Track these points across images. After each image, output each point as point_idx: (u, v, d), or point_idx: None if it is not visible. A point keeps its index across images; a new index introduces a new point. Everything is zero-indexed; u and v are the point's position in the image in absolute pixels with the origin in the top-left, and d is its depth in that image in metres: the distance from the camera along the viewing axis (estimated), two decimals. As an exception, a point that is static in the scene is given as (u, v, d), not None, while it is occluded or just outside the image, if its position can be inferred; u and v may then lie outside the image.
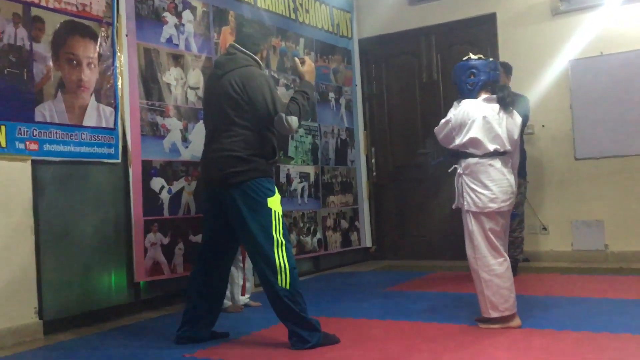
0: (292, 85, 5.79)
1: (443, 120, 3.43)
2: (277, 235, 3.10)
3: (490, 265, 3.28)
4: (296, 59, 3.45)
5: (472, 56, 3.48)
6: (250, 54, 3.29)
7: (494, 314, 3.28)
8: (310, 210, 5.93)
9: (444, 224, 6.25)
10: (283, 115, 3.11)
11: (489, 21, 6.12)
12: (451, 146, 3.41)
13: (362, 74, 6.86)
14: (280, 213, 3.16)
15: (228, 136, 3.16)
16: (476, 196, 3.30)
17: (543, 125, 5.82)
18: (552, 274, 5.11)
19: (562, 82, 5.76)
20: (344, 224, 6.41)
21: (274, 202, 3.14)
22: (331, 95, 6.37)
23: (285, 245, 3.12)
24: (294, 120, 3.12)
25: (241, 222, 3.13)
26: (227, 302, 4.17)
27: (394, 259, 6.67)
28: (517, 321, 3.31)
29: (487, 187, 3.28)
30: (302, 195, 5.85)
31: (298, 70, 3.36)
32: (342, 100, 6.54)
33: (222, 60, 3.36)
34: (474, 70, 3.39)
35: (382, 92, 6.88)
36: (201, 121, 4.76)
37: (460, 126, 3.33)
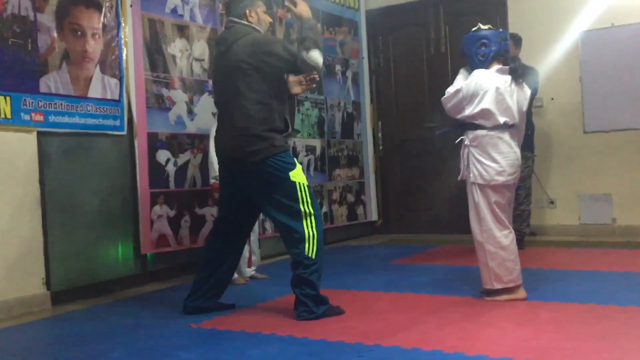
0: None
1: (452, 89, 3.38)
2: (305, 207, 3.09)
3: (496, 237, 3.27)
4: (287, 2, 3.38)
5: (482, 26, 3.42)
6: (247, 23, 3.23)
7: (497, 286, 3.28)
8: (316, 183, 5.92)
9: (450, 197, 6.22)
10: (303, 54, 3.06)
11: (498, -8, 6.03)
12: (459, 116, 3.37)
13: (369, 46, 6.79)
14: (305, 183, 3.14)
15: (241, 113, 3.12)
16: (483, 169, 3.27)
17: (552, 98, 5.76)
18: (559, 248, 5.10)
19: (572, 54, 5.68)
20: (350, 197, 6.40)
21: (297, 175, 3.12)
22: (337, 67, 6.31)
23: (314, 214, 3.12)
24: (315, 53, 3.07)
25: (266, 199, 3.14)
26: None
27: (400, 233, 6.68)
28: (522, 293, 3.31)
29: (495, 159, 3.25)
30: (308, 169, 5.83)
31: (294, 14, 3.30)
32: (349, 73, 6.48)
33: (223, 36, 3.32)
34: (485, 41, 3.34)
35: (389, 65, 6.81)
36: (207, 93, 4.75)
37: (472, 96, 3.28)
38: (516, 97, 3.31)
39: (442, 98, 3.43)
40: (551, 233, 5.77)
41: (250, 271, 4.31)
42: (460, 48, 3.52)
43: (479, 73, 3.31)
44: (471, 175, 3.31)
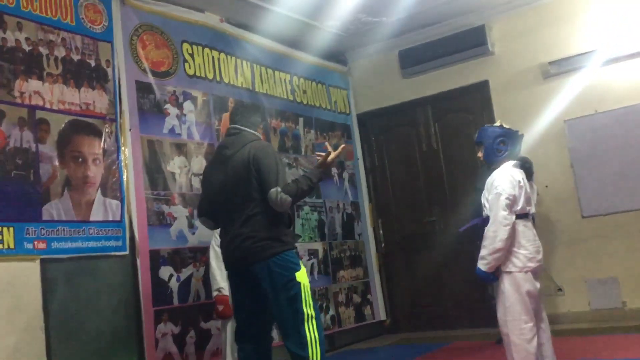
0: (293, 164, 5.87)
1: (504, 204, 3.29)
2: (307, 309, 3.11)
3: (522, 328, 3.24)
4: (327, 145, 3.59)
5: (503, 124, 3.62)
6: (253, 131, 3.37)
7: None
8: (320, 286, 5.88)
9: (457, 291, 6.16)
10: (279, 189, 3.09)
11: (482, 88, 6.26)
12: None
13: (362, 148, 6.96)
14: (308, 285, 3.17)
15: (247, 218, 3.17)
16: (515, 257, 3.30)
17: (546, 186, 5.83)
18: (573, 337, 4.99)
19: (560, 141, 5.82)
20: (356, 298, 6.34)
21: (302, 276, 3.16)
22: (334, 170, 6.44)
23: (316, 317, 3.13)
24: (286, 199, 3.09)
25: (271, 298, 3.15)
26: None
27: (409, 331, 6.54)
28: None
29: (524, 246, 3.32)
30: (311, 272, 5.81)
31: (325, 157, 3.33)
32: (345, 175, 6.61)
33: (228, 142, 3.38)
34: (505, 139, 3.50)
35: (384, 164, 6.95)
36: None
37: (515, 196, 3.35)
38: (529, 188, 3.46)
39: (498, 223, 3.29)
40: (563, 321, 5.66)
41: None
42: (476, 136, 3.65)
43: (505, 172, 3.41)
44: (501, 265, 3.32)
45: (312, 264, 5.86)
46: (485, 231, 3.33)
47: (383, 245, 6.85)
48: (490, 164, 3.56)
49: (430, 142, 6.65)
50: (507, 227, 3.26)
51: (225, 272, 4.20)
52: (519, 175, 3.42)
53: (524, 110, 5.95)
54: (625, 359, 3.91)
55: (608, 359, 3.97)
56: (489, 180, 3.46)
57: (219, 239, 4.25)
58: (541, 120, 5.86)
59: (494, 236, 3.26)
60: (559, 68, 5.86)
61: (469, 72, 6.31)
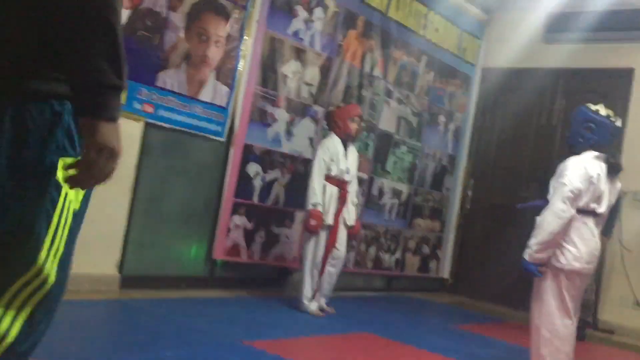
0: (404, 101, 5.72)
1: (566, 195, 3.01)
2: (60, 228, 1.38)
3: (555, 324, 3.07)
4: None
5: (600, 109, 3.23)
6: None
7: None
8: (394, 228, 5.83)
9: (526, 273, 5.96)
10: None
11: (625, 75, 5.77)
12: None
13: (477, 103, 6.67)
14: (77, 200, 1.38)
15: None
16: (561, 252, 3.09)
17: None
18: (629, 352, 4.74)
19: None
20: (426, 249, 6.27)
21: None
22: (441, 118, 6.24)
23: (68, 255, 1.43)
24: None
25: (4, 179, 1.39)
26: (310, 305, 4.07)
27: (467, 297, 6.44)
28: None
29: (575, 244, 3.06)
30: (390, 212, 5.77)
31: None
32: (451, 126, 6.39)
33: None
34: (592, 125, 3.12)
35: (494, 126, 6.65)
36: (308, 118, 4.81)
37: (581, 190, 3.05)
38: (608, 187, 3.13)
39: (557, 216, 3.04)
40: (632, 335, 5.38)
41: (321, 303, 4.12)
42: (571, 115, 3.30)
43: (581, 162, 3.07)
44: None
45: (393, 204, 5.80)
46: (538, 219, 3.06)
47: (468, 206, 6.67)
48: (571, 147, 3.18)
49: (550, 117, 6.27)
50: (561, 221, 2.97)
51: (325, 189, 4.12)
52: (597, 169, 3.05)
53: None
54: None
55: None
56: (562, 165, 3.11)
57: (329, 151, 4.14)
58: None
59: (546, 227, 3.00)
60: None
61: (616, 55, 5.82)
